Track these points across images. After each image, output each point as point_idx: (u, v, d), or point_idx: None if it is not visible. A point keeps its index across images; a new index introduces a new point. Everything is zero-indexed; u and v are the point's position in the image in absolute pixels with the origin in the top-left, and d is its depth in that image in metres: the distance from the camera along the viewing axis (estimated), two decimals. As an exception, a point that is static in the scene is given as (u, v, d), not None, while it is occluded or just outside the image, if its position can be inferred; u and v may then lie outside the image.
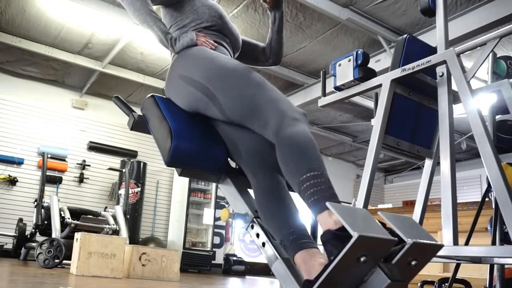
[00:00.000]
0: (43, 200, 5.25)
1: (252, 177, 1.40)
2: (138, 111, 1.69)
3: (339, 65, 2.07)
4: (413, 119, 2.03)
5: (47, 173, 5.86)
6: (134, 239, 6.37)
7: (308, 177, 1.13)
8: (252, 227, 1.39)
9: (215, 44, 1.64)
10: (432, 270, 3.66)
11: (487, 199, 2.02)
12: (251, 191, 1.45)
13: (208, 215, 7.48)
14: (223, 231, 8.08)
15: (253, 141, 1.44)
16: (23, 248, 5.39)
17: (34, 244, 5.03)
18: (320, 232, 1.11)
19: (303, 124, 1.26)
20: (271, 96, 1.32)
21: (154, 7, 1.67)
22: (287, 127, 1.23)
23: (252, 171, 1.40)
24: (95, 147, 7.18)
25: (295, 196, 1.36)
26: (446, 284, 2.15)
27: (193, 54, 1.56)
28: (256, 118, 1.31)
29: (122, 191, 6.63)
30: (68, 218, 4.91)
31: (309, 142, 1.21)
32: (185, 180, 7.22)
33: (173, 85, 1.59)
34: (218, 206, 7.61)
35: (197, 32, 1.65)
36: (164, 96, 1.64)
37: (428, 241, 1.03)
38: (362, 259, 0.96)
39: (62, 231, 4.79)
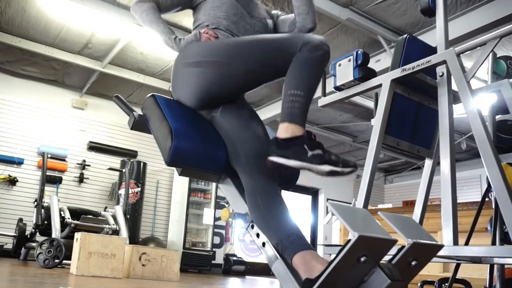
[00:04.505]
0: (43, 200, 5.25)
1: (249, 178, 1.39)
2: (138, 111, 1.70)
3: (339, 65, 2.08)
4: (413, 119, 2.03)
5: (47, 173, 5.85)
6: (134, 239, 6.37)
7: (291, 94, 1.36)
8: (252, 227, 1.39)
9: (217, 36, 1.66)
10: (432, 270, 3.66)
11: (487, 199, 2.02)
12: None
13: (208, 215, 7.49)
14: (223, 231, 8.08)
15: (253, 143, 1.45)
16: (23, 248, 5.39)
17: (34, 244, 5.03)
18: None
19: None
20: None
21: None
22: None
23: (250, 173, 1.39)
24: (95, 147, 7.18)
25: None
26: (446, 284, 2.15)
27: (194, 45, 1.63)
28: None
29: (122, 191, 6.63)
30: (68, 218, 4.91)
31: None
32: (185, 180, 7.22)
33: (180, 77, 1.62)
34: (218, 206, 7.62)
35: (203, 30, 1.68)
36: (164, 96, 1.64)
37: (428, 241, 1.03)
38: (362, 259, 0.96)
39: (62, 231, 4.79)
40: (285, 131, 1.33)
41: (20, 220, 5.57)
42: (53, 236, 4.61)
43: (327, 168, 1.25)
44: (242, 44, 1.52)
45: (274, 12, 1.93)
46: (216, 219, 7.50)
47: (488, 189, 1.97)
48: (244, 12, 1.74)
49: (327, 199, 9.53)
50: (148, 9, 1.70)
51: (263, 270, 8.21)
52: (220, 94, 1.54)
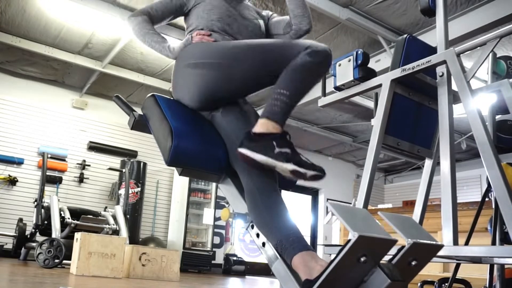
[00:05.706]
0: (43, 200, 5.25)
1: (248, 179, 1.39)
2: (138, 111, 1.70)
3: (339, 65, 2.08)
4: (413, 119, 2.03)
5: (47, 173, 5.85)
6: (134, 239, 6.37)
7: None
8: (252, 227, 1.39)
9: (211, 38, 1.66)
10: (432, 270, 3.66)
11: (487, 199, 2.02)
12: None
13: (208, 215, 7.49)
14: (223, 231, 8.08)
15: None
16: (23, 248, 5.38)
17: (34, 244, 5.03)
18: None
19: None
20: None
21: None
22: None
23: (249, 173, 1.39)
24: (95, 147, 7.18)
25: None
26: (446, 284, 2.15)
27: (194, 46, 1.63)
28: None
29: (122, 191, 6.63)
30: (68, 218, 4.91)
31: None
32: (185, 180, 7.22)
33: (181, 77, 1.62)
34: (218, 206, 7.62)
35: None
36: (164, 96, 1.64)
37: (428, 241, 1.03)
38: (362, 259, 0.96)
39: (62, 231, 4.79)
40: (260, 126, 1.36)
41: (20, 220, 5.56)
42: (53, 236, 4.61)
43: (290, 166, 1.27)
44: (244, 48, 1.51)
45: (264, 13, 1.93)
46: (216, 219, 7.50)
47: (488, 189, 1.97)
48: (236, 13, 1.76)
49: (327, 199, 9.53)
50: (140, 22, 1.72)
51: (263, 270, 8.21)
52: (221, 95, 1.54)
